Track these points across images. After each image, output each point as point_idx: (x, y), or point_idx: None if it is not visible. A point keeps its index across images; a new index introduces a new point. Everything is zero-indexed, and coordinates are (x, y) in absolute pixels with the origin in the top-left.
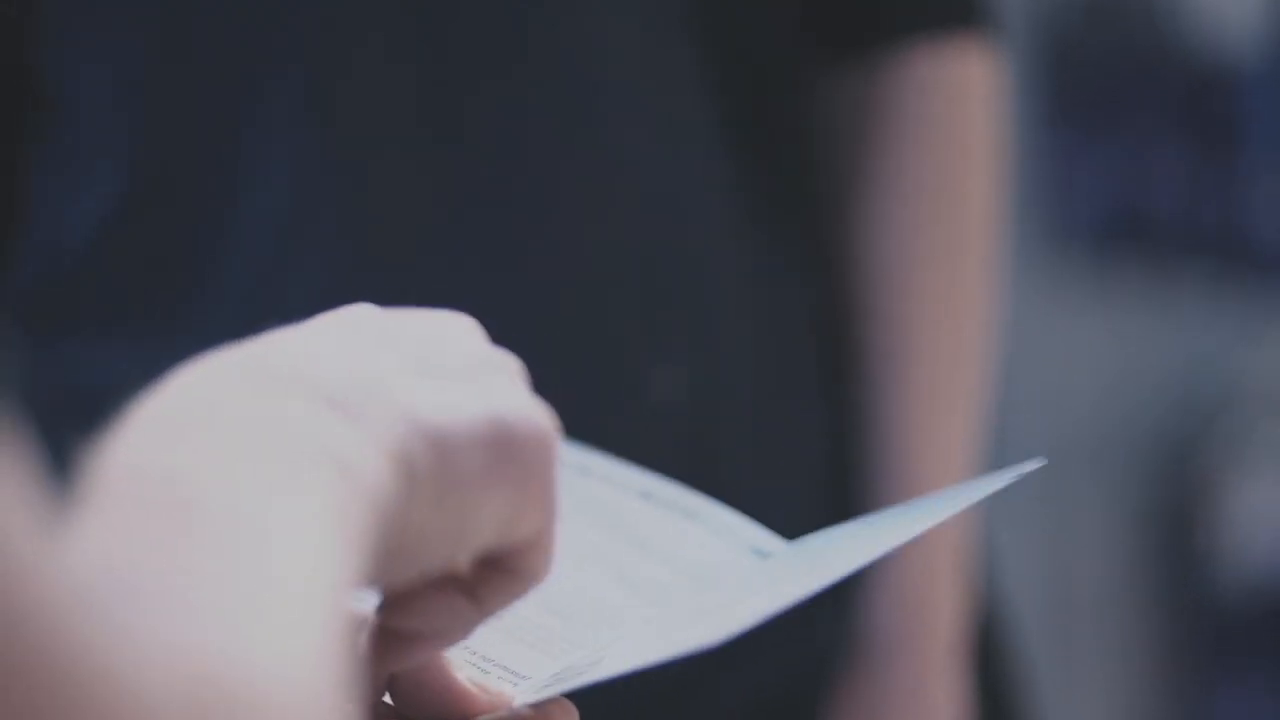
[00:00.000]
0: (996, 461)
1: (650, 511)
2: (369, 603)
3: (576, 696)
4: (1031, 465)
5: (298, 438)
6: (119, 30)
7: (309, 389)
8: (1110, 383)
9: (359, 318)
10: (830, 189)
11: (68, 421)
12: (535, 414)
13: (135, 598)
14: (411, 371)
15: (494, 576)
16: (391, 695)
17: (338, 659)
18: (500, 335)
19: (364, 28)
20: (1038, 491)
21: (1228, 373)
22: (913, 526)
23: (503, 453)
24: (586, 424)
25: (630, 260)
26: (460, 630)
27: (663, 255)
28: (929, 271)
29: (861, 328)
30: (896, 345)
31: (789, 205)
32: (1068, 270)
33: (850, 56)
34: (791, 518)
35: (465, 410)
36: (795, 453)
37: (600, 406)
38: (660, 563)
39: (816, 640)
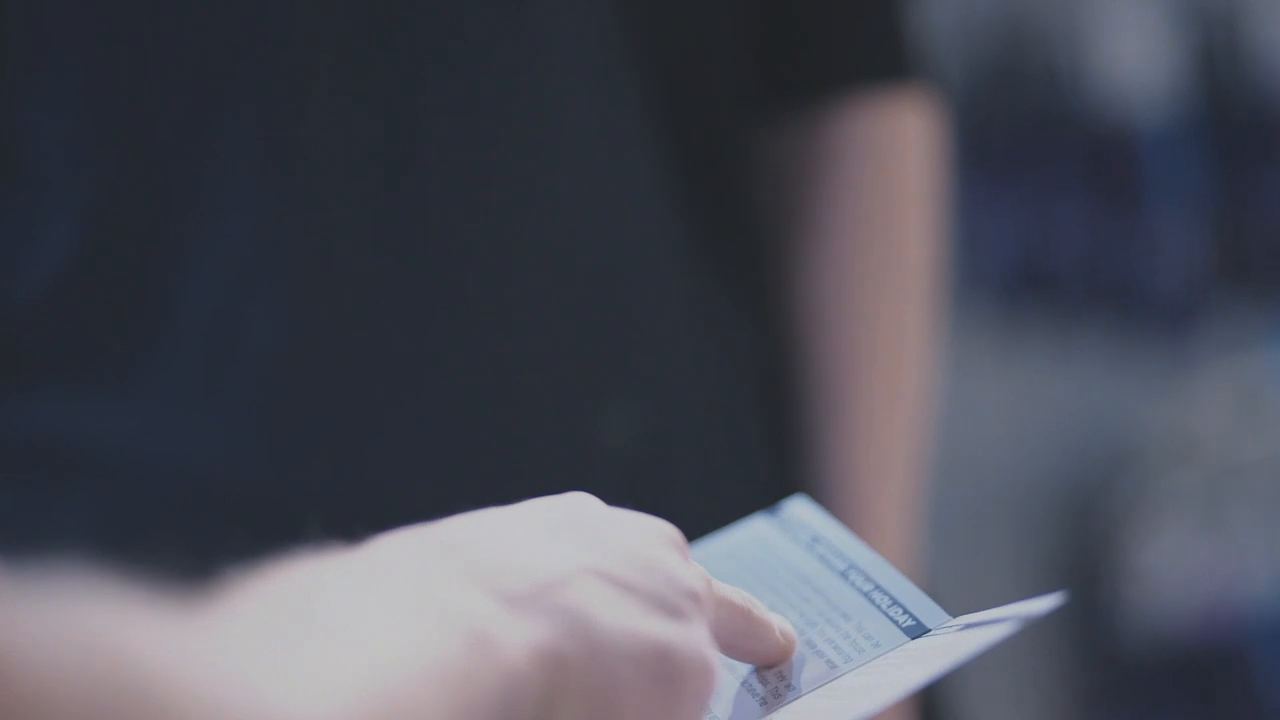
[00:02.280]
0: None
1: (844, 586)
2: None
3: None
4: (1052, 601)
5: (439, 604)
6: (71, 81)
7: (478, 571)
8: (1014, 435)
9: (572, 510)
10: (772, 236)
11: (20, 474)
12: (703, 652)
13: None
14: (597, 577)
15: None
16: None
17: None
18: (453, 378)
19: (317, 72)
20: (940, 541)
21: (1130, 425)
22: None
23: (660, 681)
24: (539, 465)
25: (580, 303)
26: None
27: (612, 299)
28: (867, 315)
29: (804, 372)
30: (837, 388)
31: (734, 251)
32: (972, 324)
33: (791, 106)
34: None
35: (638, 634)
36: (742, 492)
37: (551, 447)
38: (824, 638)
39: None
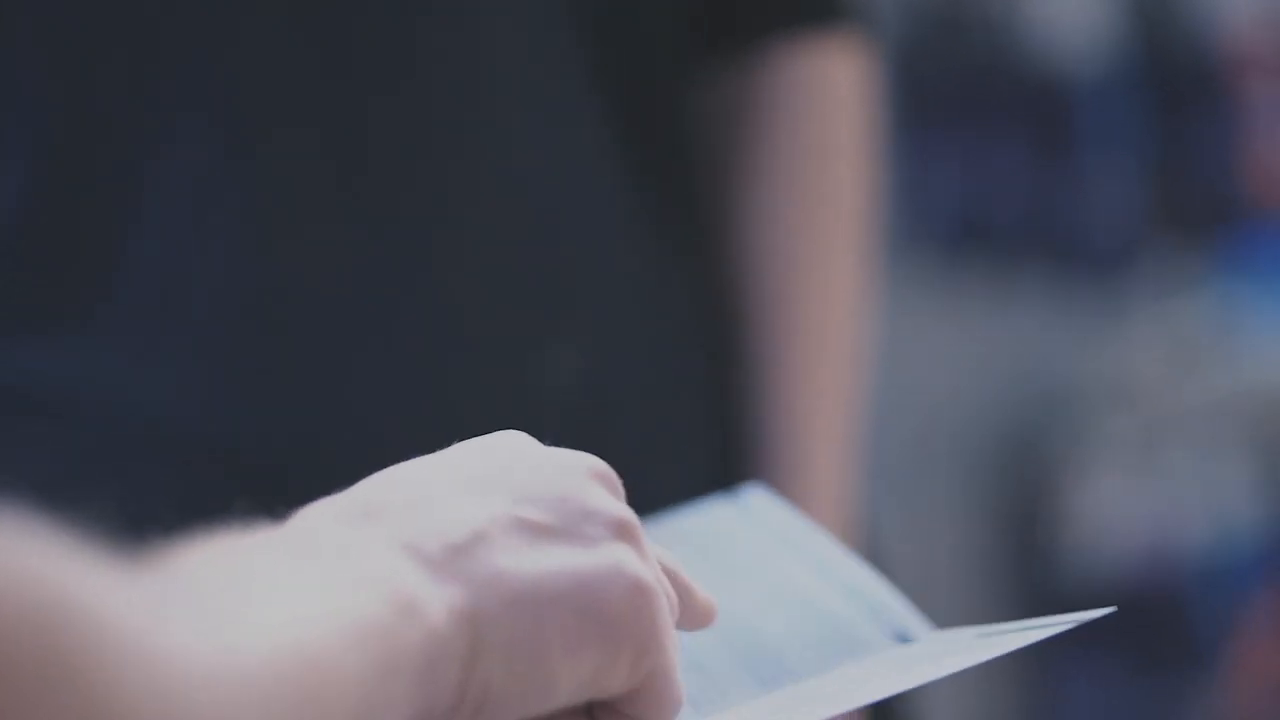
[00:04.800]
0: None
1: (823, 584)
2: None
3: None
4: (1099, 613)
5: (361, 570)
6: (19, 29)
7: (396, 535)
8: (953, 381)
9: (494, 455)
10: (709, 182)
11: None
12: (628, 577)
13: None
14: (511, 526)
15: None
16: None
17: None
18: (397, 320)
19: (262, 14)
20: (881, 486)
21: (1068, 371)
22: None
23: (587, 618)
24: (482, 407)
25: (521, 247)
26: None
27: (552, 243)
28: (802, 257)
29: (741, 315)
30: (774, 332)
31: (671, 197)
32: (911, 272)
33: (726, 53)
34: (680, 497)
35: (552, 575)
36: (684, 434)
37: (494, 389)
38: (802, 638)
39: None
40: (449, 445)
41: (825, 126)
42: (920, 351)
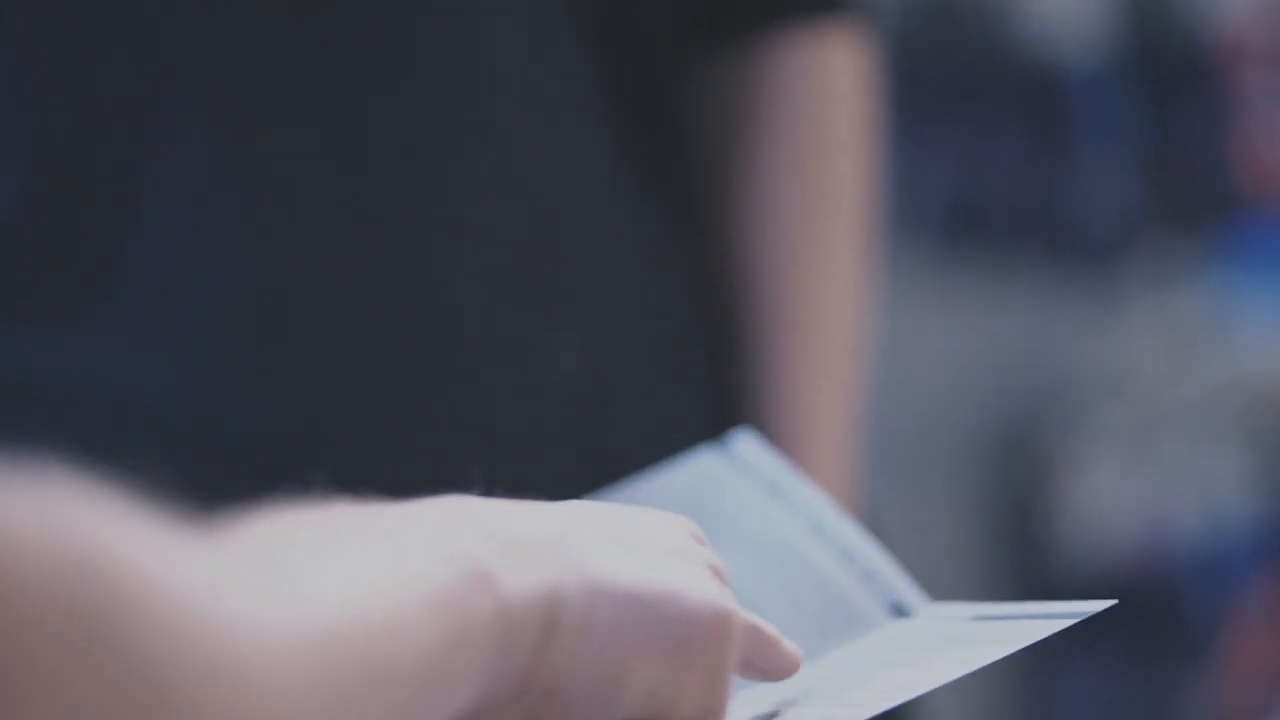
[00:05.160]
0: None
1: (815, 543)
2: None
3: None
4: (1103, 605)
5: (437, 542)
6: (19, 21)
7: (488, 532)
8: (948, 371)
9: (590, 506)
10: (709, 170)
11: None
12: (714, 599)
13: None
14: (599, 537)
15: None
16: None
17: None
18: (397, 319)
19: (262, 9)
20: (877, 475)
21: (1062, 361)
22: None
23: (667, 625)
24: (484, 399)
25: (521, 239)
26: None
27: (553, 234)
28: (803, 251)
29: (743, 307)
30: (776, 323)
31: (672, 186)
32: (906, 263)
33: (724, 46)
34: None
35: (640, 577)
36: (684, 428)
37: (496, 381)
38: (796, 601)
39: None
40: (449, 439)
41: (825, 119)
42: (914, 342)
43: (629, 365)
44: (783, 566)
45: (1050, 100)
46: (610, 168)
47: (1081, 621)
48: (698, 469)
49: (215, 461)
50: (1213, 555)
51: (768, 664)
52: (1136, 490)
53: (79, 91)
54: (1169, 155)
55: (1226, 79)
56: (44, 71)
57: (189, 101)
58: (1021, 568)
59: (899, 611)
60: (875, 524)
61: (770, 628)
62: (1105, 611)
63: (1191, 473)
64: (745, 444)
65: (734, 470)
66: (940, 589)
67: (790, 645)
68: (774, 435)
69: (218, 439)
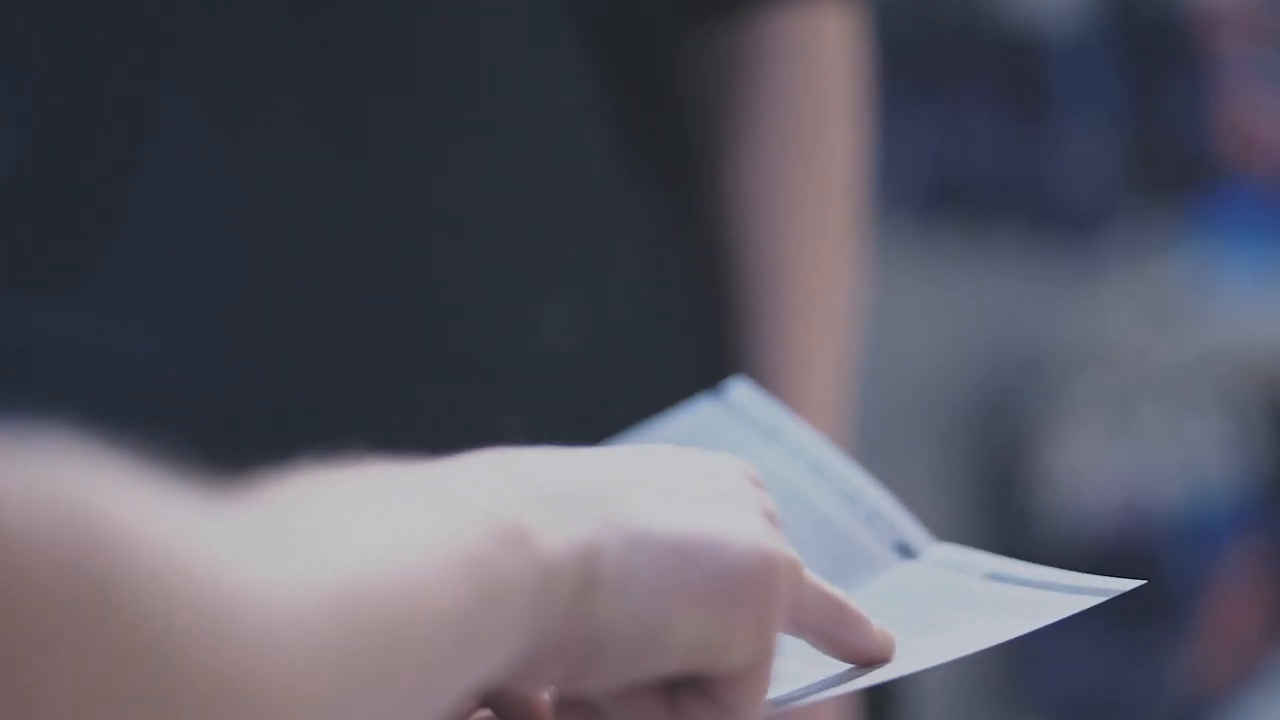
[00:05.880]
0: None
1: (817, 485)
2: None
3: None
4: (1127, 585)
5: (470, 500)
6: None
7: (520, 483)
8: (929, 341)
9: (638, 451)
10: (702, 144)
11: None
12: (760, 544)
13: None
14: (639, 483)
15: (701, 706)
16: None
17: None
18: (395, 286)
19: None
20: (859, 444)
21: (1043, 330)
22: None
23: (709, 573)
24: (479, 368)
25: (517, 206)
26: None
27: (548, 201)
28: (794, 219)
29: (736, 275)
30: (768, 291)
31: (665, 153)
32: (888, 234)
33: (716, 16)
34: None
35: (683, 527)
36: (681, 392)
37: (493, 348)
38: (802, 543)
39: None
40: (446, 408)
41: (816, 89)
42: (895, 313)
43: (625, 336)
44: (786, 509)
45: (1030, 72)
46: (605, 141)
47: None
48: (695, 417)
49: (213, 426)
50: (1193, 523)
51: (856, 644)
52: (1117, 459)
53: (77, 65)
54: (1148, 127)
55: (1205, 50)
56: (42, 44)
57: (188, 72)
58: (1003, 536)
59: (905, 552)
60: None
61: (853, 605)
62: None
63: (1171, 441)
64: (741, 391)
65: (731, 417)
66: None
67: (882, 627)
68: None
69: (216, 403)
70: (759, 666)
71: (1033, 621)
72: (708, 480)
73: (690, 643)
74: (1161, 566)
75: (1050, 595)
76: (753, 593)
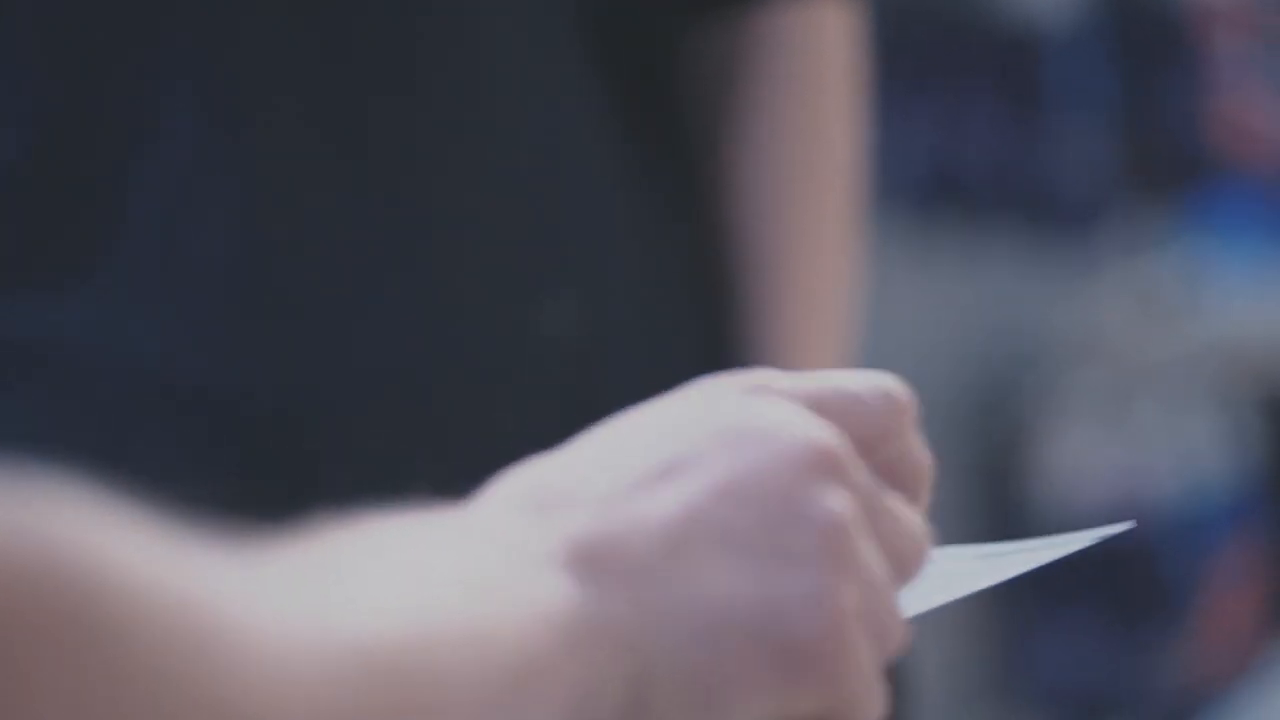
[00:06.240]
0: None
1: None
2: None
3: None
4: (1122, 527)
5: (507, 571)
6: None
7: (567, 530)
8: (924, 335)
9: (700, 416)
10: (703, 138)
11: None
12: (830, 609)
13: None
14: (703, 525)
15: None
16: None
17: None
18: (397, 277)
19: None
20: None
21: (1038, 325)
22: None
23: (773, 652)
24: (481, 359)
25: (517, 199)
26: None
27: (551, 198)
28: (794, 213)
29: (736, 267)
30: (768, 283)
31: (665, 146)
32: (883, 227)
33: (716, 11)
34: None
35: (740, 598)
36: (678, 381)
37: (493, 341)
38: None
39: None
40: (448, 400)
41: (814, 84)
42: (892, 307)
43: (626, 332)
44: None
45: (1026, 68)
46: (605, 139)
47: (1056, 581)
48: None
49: (217, 420)
50: (1188, 517)
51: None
52: (1111, 453)
53: (77, 65)
54: (1143, 122)
55: (1200, 45)
56: (42, 44)
57: (188, 72)
58: (998, 530)
59: None
60: None
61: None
62: (1082, 572)
63: (1166, 435)
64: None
65: None
66: None
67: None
68: None
69: (220, 397)
70: (847, 707)
71: (1037, 559)
72: (772, 495)
73: (755, 715)
74: (1157, 561)
75: (1048, 545)
76: (822, 661)
